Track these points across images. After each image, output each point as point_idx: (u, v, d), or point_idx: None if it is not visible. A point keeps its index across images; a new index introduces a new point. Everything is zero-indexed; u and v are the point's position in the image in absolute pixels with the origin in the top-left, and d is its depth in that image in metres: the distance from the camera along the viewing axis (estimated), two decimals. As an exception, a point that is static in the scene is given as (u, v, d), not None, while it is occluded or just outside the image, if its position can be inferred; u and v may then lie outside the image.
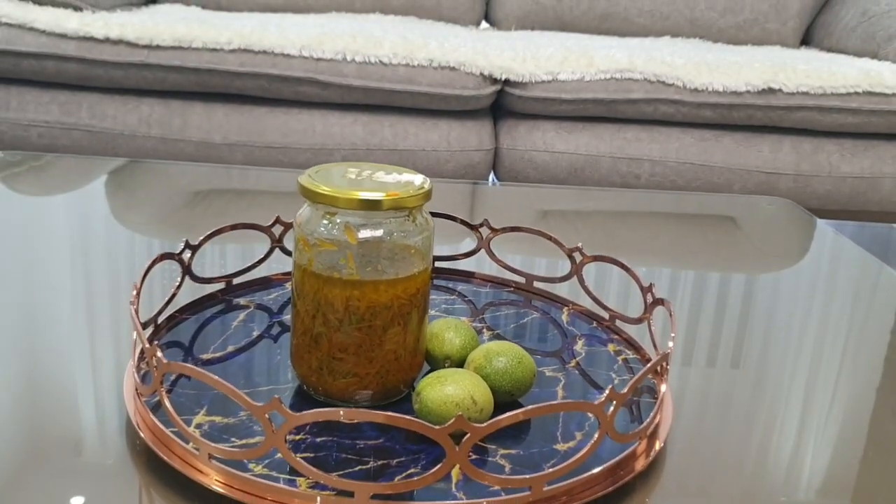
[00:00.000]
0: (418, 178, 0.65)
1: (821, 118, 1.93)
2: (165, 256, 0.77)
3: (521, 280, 0.91)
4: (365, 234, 0.62)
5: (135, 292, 0.69)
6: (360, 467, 0.59)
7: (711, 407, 0.76)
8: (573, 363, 0.76)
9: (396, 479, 0.59)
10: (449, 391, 0.62)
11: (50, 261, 0.99)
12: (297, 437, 0.62)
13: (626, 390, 0.58)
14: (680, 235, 1.28)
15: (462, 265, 0.94)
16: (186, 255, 0.79)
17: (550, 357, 0.77)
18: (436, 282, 0.92)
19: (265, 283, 0.88)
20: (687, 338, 0.89)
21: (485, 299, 0.89)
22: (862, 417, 0.76)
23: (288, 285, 0.88)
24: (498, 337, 0.81)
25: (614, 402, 0.58)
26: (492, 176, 2.08)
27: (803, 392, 0.79)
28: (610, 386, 0.57)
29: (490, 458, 0.62)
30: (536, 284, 0.90)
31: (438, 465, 0.54)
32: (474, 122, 1.96)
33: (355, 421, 0.63)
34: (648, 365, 0.62)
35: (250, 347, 0.75)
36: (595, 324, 0.84)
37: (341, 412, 0.54)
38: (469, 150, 1.94)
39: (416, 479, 0.54)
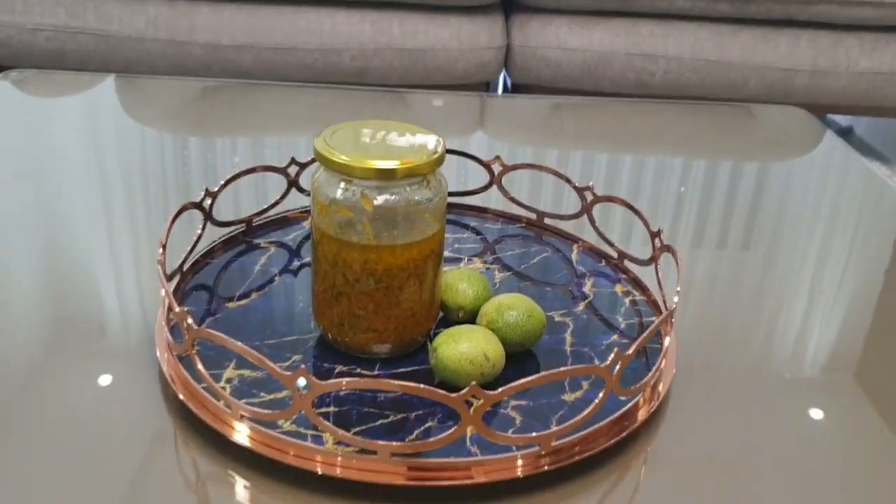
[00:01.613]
0: (431, 141, 0.67)
1: (840, 11, 1.89)
2: (188, 206, 0.79)
3: (532, 216, 0.93)
4: (380, 201, 0.64)
5: (161, 249, 0.72)
6: (381, 421, 0.64)
7: (714, 341, 0.80)
8: (582, 307, 0.79)
9: (416, 432, 0.63)
10: (463, 348, 0.66)
11: (73, 168, 1.02)
12: (322, 382, 0.66)
13: (630, 352, 0.62)
14: (688, 143, 1.29)
15: (472, 200, 0.96)
16: (207, 202, 0.82)
17: (560, 298, 0.80)
18: (448, 216, 0.94)
19: (283, 223, 0.91)
20: (691, 258, 0.91)
21: (496, 235, 0.92)
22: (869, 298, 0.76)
23: (306, 224, 0.91)
24: (509, 273, 0.83)
25: (619, 364, 0.61)
26: (503, 76, 2.06)
27: (802, 311, 0.83)
28: (616, 349, 0.61)
29: (501, 410, 0.66)
30: (547, 221, 0.92)
31: (454, 428, 0.58)
32: (485, 17, 1.93)
33: (372, 388, 0.67)
34: (653, 326, 0.65)
35: (273, 294, 0.79)
36: (604, 262, 0.87)
37: (362, 382, 0.58)
38: (480, 48, 1.91)
39: (432, 439, 0.58)
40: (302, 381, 0.58)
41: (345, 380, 0.58)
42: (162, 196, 1.04)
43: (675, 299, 0.69)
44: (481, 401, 0.57)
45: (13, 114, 1.26)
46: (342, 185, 0.65)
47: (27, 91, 1.35)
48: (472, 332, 0.67)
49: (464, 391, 0.57)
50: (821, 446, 0.67)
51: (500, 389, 0.58)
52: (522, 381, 0.58)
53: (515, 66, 1.97)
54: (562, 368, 0.59)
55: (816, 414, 0.69)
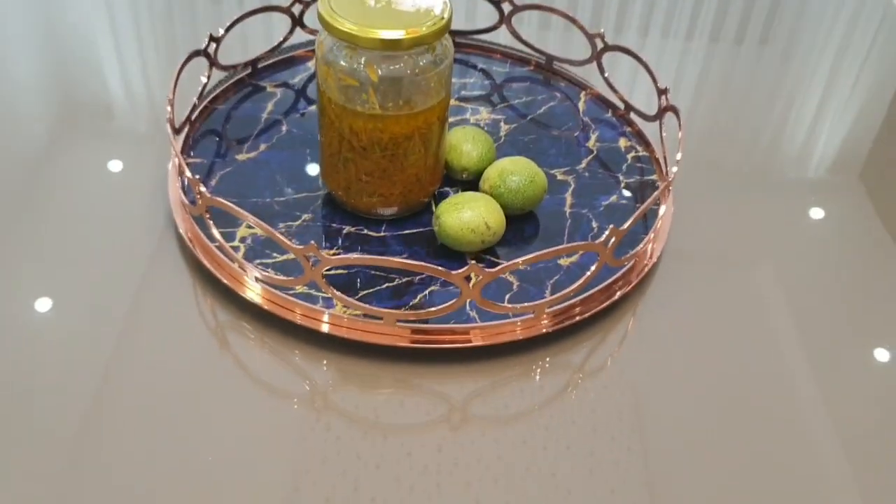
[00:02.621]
0: (438, 4, 0.65)
1: None
2: (193, 55, 0.79)
3: (542, 59, 0.92)
4: (385, 70, 0.64)
5: (168, 108, 0.72)
6: (387, 284, 0.68)
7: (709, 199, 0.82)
8: (584, 164, 0.81)
9: (419, 296, 0.67)
10: (465, 217, 0.68)
11: None
12: (332, 252, 0.70)
13: (625, 227, 0.64)
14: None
15: (483, 39, 0.94)
16: (212, 48, 0.81)
17: (563, 155, 0.81)
18: (456, 55, 0.93)
19: (289, 63, 0.90)
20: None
21: (503, 78, 0.91)
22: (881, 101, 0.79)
23: (311, 64, 0.90)
24: (514, 126, 0.84)
25: (614, 239, 0.64)
26: None
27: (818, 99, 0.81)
28: (611, 226, 0.63)
29: (491, 279, 0.69)
30: (556, 65, 0.91)
31: (454, 300, 0.62)
32: None
33: (378, 266, 0.70)
34: (649, 200, 0.66)
35: (282, 145, 0.80)
36: (610, 112, 0.87)
37: (368, 259, 0.61)
38: None
39: (434, 308, 0.62)
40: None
41: (353, 255, 0.61)
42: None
43: (674, 169, 0.71)
44: (480, 277, 0.61)
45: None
46: (346, 52, 0.64)
47: None
48: (474, 200, 0.69)
49: (463, 269, 0.60)
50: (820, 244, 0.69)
51: (497, 267, 0.61)
52: (519, 259, 0.61)
53: None
54: (558, 247, 0.62)
55: (817, 213, 0.71)
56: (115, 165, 0.80)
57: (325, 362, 0.64)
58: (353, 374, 0.64)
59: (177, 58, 0.78)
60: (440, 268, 0.60)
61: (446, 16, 0.65)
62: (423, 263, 0.60)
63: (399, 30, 0.62)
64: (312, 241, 0.60)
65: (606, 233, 0.63)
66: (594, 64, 0.87)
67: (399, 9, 0.65)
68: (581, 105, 0.88)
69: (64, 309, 0.66)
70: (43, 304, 0.66)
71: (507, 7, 0.90)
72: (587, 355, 0.67)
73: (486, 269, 0.60)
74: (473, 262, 0.60)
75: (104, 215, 0.74)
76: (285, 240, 0.61)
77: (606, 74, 0.86)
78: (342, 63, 0.65)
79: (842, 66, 0.83)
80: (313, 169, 0.78)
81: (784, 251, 0.74)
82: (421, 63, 0.65)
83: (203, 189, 0.65)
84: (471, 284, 0.61)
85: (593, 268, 0.65)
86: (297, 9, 0.87)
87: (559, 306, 0.66)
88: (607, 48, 0.85)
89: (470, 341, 0.64)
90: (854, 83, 0.81)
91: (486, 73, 0.92)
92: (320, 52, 0.66)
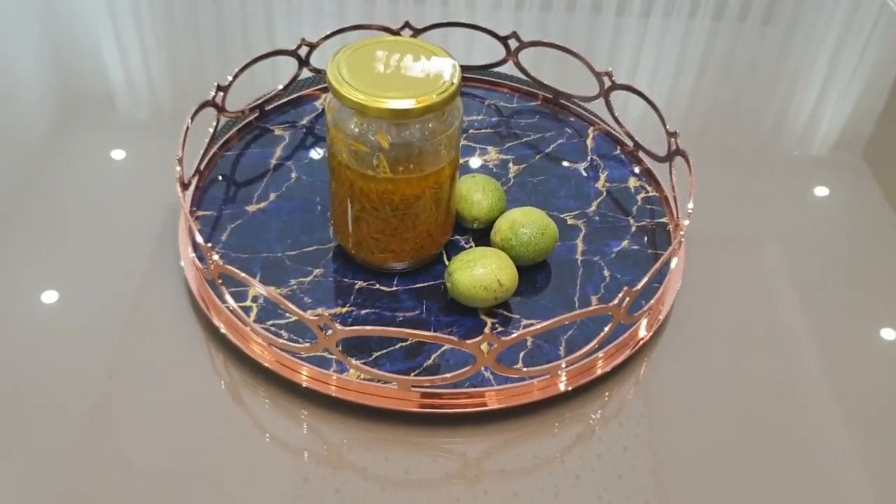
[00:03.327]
0: (448, 68, 0.65)
1: None
2: (203, 106, 0.78)
3: (549, 94, 0.91)
4: (396, 137, 0.64)
5: (178, 168, 0.72)
6: (400, 345, 0.68)
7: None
8: (594, 206, 0.81)
9: (433, 356, 0.67)
10: (478, 274, 0.68)
11: None
12: (344, 310, 0.70)
13: (638, 288, 0.64)
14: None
15: (490, 73, 0.94)
16: (219, 97, 0.81)
17: (573, 197, 0.81)
18: (463, 88, 0.93)
19: (296, 103, 0.90)
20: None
21: (510, 113, 0.91)
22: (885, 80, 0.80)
23: (318, 104, 0.90)
24: (523, 167, 0.84)
25: (627, 300, 0.64)
26: None
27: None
28: (625, 288, 0.63)
29: (514, 331, 0.70)
30: (563, 101, 0.91)
31: (469, 367, 0.62)
32: None
33: (391, 336, 0.70)
34: (660, 262, 0.67)
35: (292, 194, 0.80)
36: (619, 149, 0.87)
37: (379, 330, 0.61)
38: None
39: (449, 375, 0.63)
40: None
41: (366, 328, 0.61)
42: None
43: (686, 222, 0.71)
44: (495, 345, 0.61)
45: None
46: (356, 119, 0.64)
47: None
48: (485, 256, 0.69)
49: (478, 339, 0.60)
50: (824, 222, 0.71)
51: (513, 335, 0.61)
52: (535, 327, 0.61)
53: None
54: (574, 313, 0.62)
55: (822, 191, 0.72)
56: (123, 211, 0.80)
57: (334, 423, 0.65)
58: (362, 436, 0.64)
59: (186, 106, 0.78)
60: (454, 338, 0.60)
61: (455, 81, 0.64)
62: (436, 335, 0.61)
63: (409, 99, 0.62)
64: (326, 312, 0.61)
65: (620, 295, 0.63)
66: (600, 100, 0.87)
67: (409, 74, 0.65)
68: (590, 142, 0.88)
69: (76, 372, 0.67)
70: (43, 367, 0.67)
71: (513, 43, 0.90)
72: (603, 407, 0.67)
73: (502, 338, 0.61)
74: (488, 324, 0.60)
75: (114, 269, 0.75)
76: (298, 310, 0.62)
77: (616, 114, 0.86)
78: (352, 128, 0.64)
79: (844, 47, 0.84)
80: (324, 218, 0.78)
81: (802, 276, 0.74)
82: (430, 127, 0.65)
83: (215, 257, 0.65)
84: (486, 353, 0.61)
85: (607, 328, 0.65)
86: (303, 51, 0.87)
87: (576, 366, 0.66)
88: (615, 87, 0.85)
89: (485, 405, 0.65)
90: (856, 64, 0.81)
91: (494, 107, 0.91)
92: (330, 116, 0.66)
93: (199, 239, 0.66)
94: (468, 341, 0.60)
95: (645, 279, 0.65)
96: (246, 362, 0.67)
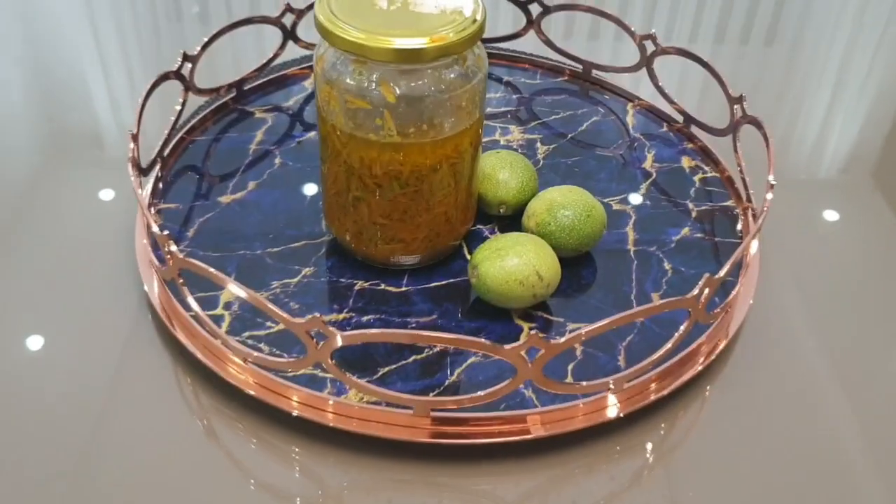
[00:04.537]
0: (468, 3, 0.51)
1: None
2: (162, 78, 0.64)
3: (578, 67, 0.78)
4: (404, 88, 0.50)
5: (131, 143, 0.58)
6: (414, 357, 0.53)
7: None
8: (644, 189, 0.67)
9: (456, 371, 0.53)
10: (511, 265, 0.54)
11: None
12: (342, 317, 0.56)
13: (721, 275, 0.50)
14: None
15: (506, 48, 0.80)
16: (186, 68, 0.67)
17: (616, 180, 0.67)
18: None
19: (281, 82, 0.76)
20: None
21: (534, 90, 0.77)
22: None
23: (307, 84, 0.76)
24: (553, 147, 0.70)
25: (707, 291, 0.49)
26: None
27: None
28: (706, 275, 0.49)
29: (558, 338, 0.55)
30: (595, 74, 0.77)
31: (507, 381, 0.47)
32: None
33: (404, 342, 0.56)
34: (747, 239, 0.52)
35: (275, 182, 0.66)
36: (665, 127, 0.73)
37: (389, 333, 0.47)
38: None
39: (482, 394, 0.48)
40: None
41: (371, 331, 0.47)
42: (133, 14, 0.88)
43: (769, 196, 0.56)
44: (542, 351, 0.46)
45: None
46: (354, 68, 0.50)
47: None
48: (519, 242, 0.55)
49: (521, 342, 0.45)
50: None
51: (564, 338, 0.46)
52: (595, 325, 0.47)
53: None
54: (646, 306, 0.47)
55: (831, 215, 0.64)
56: (81, 218, 0.66)
57: (332, 459, 0.49)
58: (368, 475, 0.49)
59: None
60: (486, 342, 0.46)
61: (479, 17, 0.50)
62: (464, 337, 0.46)
63: (420, 37, 0.48)
64: (317, 314, 0.46)
65: (701, 283, 0.49)
66: (637, 73, 0.73)
67: (418, 10, 0.51)
68: (629, 119, 0.74)
69: (28, 406, 0.52)
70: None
71: (535, 9, 0.76)
72: (665, 437, 0.52)
73: (551, 341, 0.46)
74: (524, 329, 0.46)
75: (67, 281, 0.60)
76: (279, 311, 0.47)
77: (660, 83, 0.72)
78: (349, 81, 0.50)
79: (849, 67, 0.80)
80: (314, 209, 0.63)
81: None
82: (449, 78, 0.51)
83: (174, 248, 0.50)
84: (530, 362, 0.47)
85: (683, 327, 0.50)
86: (288, 19, 0.73)
87: (638, 380, 0.51)
88: (661, 51, 0.71)
89: (528, 432, 0.50)
90: (861, 84, 0.75)
91: (512, 86, 0.78)
92: (320, 68, 0.52)
93: (155, 227, 0.51)
94: (506, 346, 0.46)
95: (727, 265, 0.50)
96: (221, 387, 0.52)
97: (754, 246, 0.58)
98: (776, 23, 0.89)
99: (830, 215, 0.68)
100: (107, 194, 0.67)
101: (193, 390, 0.53)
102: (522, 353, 0.46)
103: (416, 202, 0.54)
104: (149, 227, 0.55)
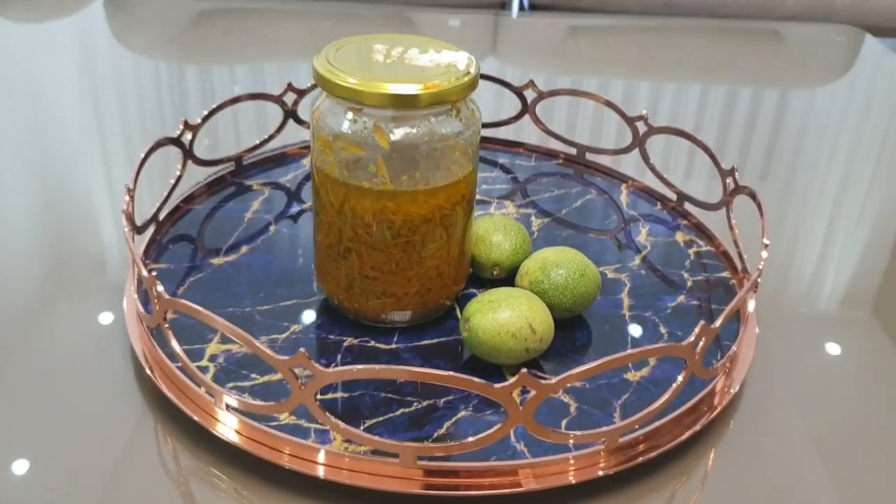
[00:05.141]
0: (462, 59, 0.53)
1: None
2: (162, 143, 0.66)
3: (572, 151, 0.79)
4: (399, 135, 0.51)
5: (127, 198, 0.58)
6: (402, 410, 0.51)
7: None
8: (638, 260, 0.66)
9: (445, 425, 0.51)
10: (504, 318, 0.53)
11: (58, 100, 0.88)
12: (328, 370, 0.54)
13: (717, 325, 0.49)
14: (727, 68, 1.14)
15: (501, 132, 0.82)
16: (187, 137, 0.68)
17: (611, 251, 0.67)
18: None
19: (280, 160, 0.77)
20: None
21: (530, 173, 0.78)
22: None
23: (306, 161, 0.77)
24: (547, 220, 0.70)
25: (703, 341, 0.48)
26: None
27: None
28: (701, 322, 0.48)
29: (552, 393, 0.53)
30: (589, 156, 0.79)
31: (498, 426, 0.45)
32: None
33: (391, 378, 0.54)
34: (741, 292, 0.52)
35: (268, 247, 0.66)
36: (659, 205, 0.74)
37: (377, 370, 0.45)
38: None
39: (471, 440, 0.46)
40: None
41: (356, 367, 0.45)
42: (142, 130, 0.91)
43: (764, 255, 0.56)
44: (534, 392, 0.45)
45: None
46: (350, 115, 0.51)
47: (8, 15, 1.18)
48: (512, 296, 0.54)
49: (513, 380, 0.44)
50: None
51: (557, 378, 0.45)
52: (586, 367, 0.45)
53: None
54: (643, 349, 0.46)
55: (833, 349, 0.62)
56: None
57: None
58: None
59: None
60: (478, 380, 0.44)
61: (472, 70, 0.52)
62: (454, 375, 0.44)
63: (415, 84, 0.49)
64: (302, 349, 0.45)
65: (697, 330, 0.48)
66: (624, 157, 0.75)
67: (415, 64, 0.52)
68: (623, 199, 0.74)
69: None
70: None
71: (530, 94, 0.78)
72: (658, 497, 0.50)
73: (543, 381, 0.44)
74: (524, 370, 0.44)
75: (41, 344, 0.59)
76: (264, 348, 0.46)
77: (651, 161, 0.73)
78: (344, 128, 0.51)
79: (844, 202, 0.82)
80: (307, 271, 0.63)
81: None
82: (442, 129, 0.52)
83: (161, 289, 0.49)
84: (522, 404, 0.45)
85: (681, 378, 0.49)
86: (290, 98, 0.75)
87: (632, 435, 0.49)
88: (653, 131, 0.73)
89: (519, 485, 0.47)
90: (857, 218, 0.78)
91: (509, 169, 0.79)
92: (315, 121, 0.53)
93: (143, 270, 0.51)
94: (496, 385, 0.44)
95: (722, 317, 0.50)
96: (203, 440, 0.50)
97: (751, 305, 0.57)
98: (768, 160, 0.91)
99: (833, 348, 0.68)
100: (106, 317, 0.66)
101: (174, 448, 0.51)
102: (514, 393, 0.44)
103: (407, 254, 0.54)
104: (139, 280, 0.54)
